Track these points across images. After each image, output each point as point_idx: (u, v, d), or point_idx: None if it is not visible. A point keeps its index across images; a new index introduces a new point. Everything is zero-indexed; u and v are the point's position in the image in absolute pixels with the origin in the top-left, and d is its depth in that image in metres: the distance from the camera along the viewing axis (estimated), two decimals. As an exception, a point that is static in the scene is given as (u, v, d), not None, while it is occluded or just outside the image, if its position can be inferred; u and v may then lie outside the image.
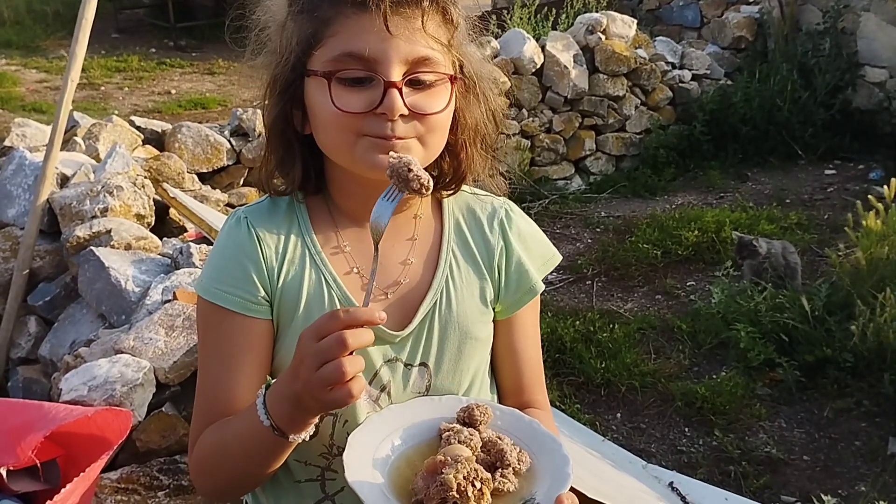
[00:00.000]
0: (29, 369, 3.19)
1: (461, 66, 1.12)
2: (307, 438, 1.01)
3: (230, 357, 1.11)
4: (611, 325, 3.99)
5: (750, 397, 3.45)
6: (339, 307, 1.06)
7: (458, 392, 1.18)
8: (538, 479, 1.03)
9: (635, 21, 6.66)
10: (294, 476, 1.15)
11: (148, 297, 2.88)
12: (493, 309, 1.22)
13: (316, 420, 1.01)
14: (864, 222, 3.80)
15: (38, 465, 2.14)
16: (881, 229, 3.76)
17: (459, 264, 1.19)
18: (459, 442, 1.04)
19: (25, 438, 2.17)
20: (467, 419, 1.09)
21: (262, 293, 1.11)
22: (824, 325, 3.61)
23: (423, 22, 1.03)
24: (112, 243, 3.12)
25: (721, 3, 7.60)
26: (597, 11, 6.76)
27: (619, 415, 3.46)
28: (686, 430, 3.33)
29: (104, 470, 2.42)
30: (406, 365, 1.15)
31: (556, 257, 1.30)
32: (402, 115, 1.03)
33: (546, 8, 7.33)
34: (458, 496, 0.95)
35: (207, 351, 1.15)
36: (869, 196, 3.94)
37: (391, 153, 1.01)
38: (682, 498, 2.71)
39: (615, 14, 6.57)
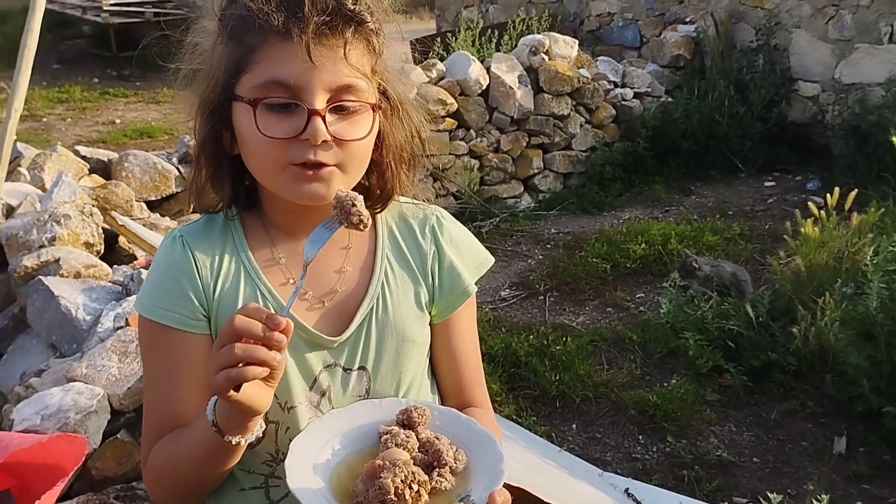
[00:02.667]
0: (-23, 403, 3.12)
1: (385, 91, 1.16)
2: (244, 442, 1.03)
3: (172, 373, 1.13)
4: (563, 339, 4.05)
5: (700, 403, 3.54)
6: None
7: (398, 394, 1.21)
8: (474, 476, 1.06)
9: (577, 42, 6.81)
10: (240, 484, 1.17)
11: (99, 325, 2.85)
12: (430, 312, 1.25)
13: (254, 425, 1.03)
14: (802, 230, 3.94)
15: (-9, 496, 2.10)
16: (819, 236, 3.90)
17: (394, 270, 1.23)
18: (397, 445, 1.07)
19: (-23, 470, 2.14)
20: (406, 421, 1.12)
21: (200, 309, 1.14)
22: (768, 331, 3.72)
23: (345, 52, 1.06)
24: (61, 272, 3.09)
25: (659, 23, 7.82)
26: (539, 33, 6.90)
27: (574, 426, 3.51)
28: (640, 437, 3.39)
29: (60, 499, 2.38)
30: (345, 369, 1.18)
31: (489, 260, 1.34)
32: (324, 142, 1.06)
33: (490, 30, 7.47)
34: (395, 499, 0.99)
35: (150, 368, 1.17)
36: (808, 204, 4.09)
37: (340, 189, 1.06)
38: (638, 503, 2.77)
39: (557, 35, 6.71)
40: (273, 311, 1.07)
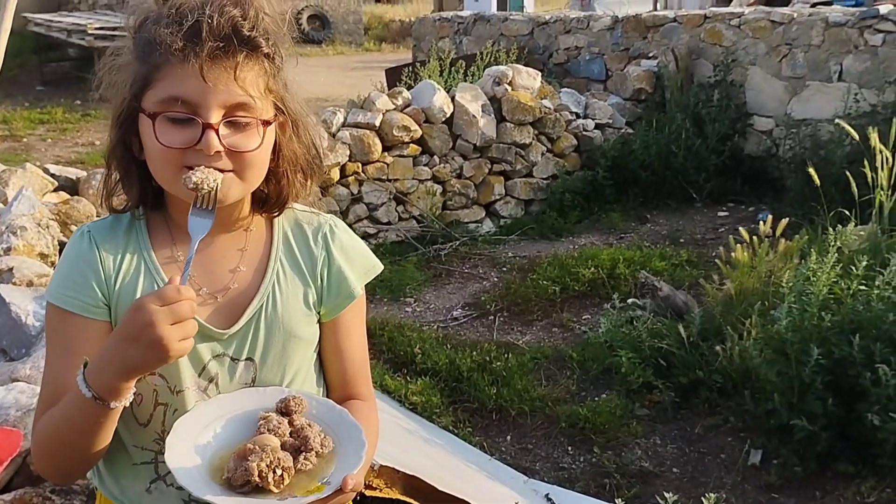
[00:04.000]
0: (-71, 405, 3.24)
1: (283, 105, 1.30)
2: (126, 404, 1.15)
3: (70, 354, 1.25)
4: (506, 356, 4.22)
5: (629, 417, 3.70)
6: None
7: (282, 384, 1.33)
8: (337, 461, 1.20)
9: (540, 73, 7.06)
10: (132, 459, 1.31)
11: (48, 330, 2.99)
12: (318, 312, 1.38)
13: (131, 387, 1.15)
14: (734, 255, 4.14)
15: (-73, 485, 2.24)
16: (748, 262, 4.10)
17: (286, 272, 1.36)
18: (269, 430, 1.20)
19: (-85, 458, 2.28)
20: (284, 409, 1.25)
21: (101, 298, 1.27)
22: (698, 350, 3.89)
23: (236, 74, 1.20)
24: (14, 280, 3.23)
25: (624, 58, 8.08)
26: (506, 65, 7.13)
27: (508, 437, 3.66)
28: (569, 448, 3.55)
29: (-2, 491, 2.52)
30: (233, 359, 1.31)
31: (378, 267, 1.47)
32: (217, 152, 1.19)
33: (459, 61, 7.70)
34: (259, 480, 1.13)
35: (52, 349, 1.29)
36: (739, 229, 4.29)
37: (193, 169, 1.19)
38: (555, 507, 2.93)
39: (521, 67, 6.95)
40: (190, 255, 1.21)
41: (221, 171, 1.21)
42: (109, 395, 1.13)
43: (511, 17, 9.46)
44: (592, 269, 5.21)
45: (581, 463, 3.44)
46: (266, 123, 1.25)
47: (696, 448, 3.50)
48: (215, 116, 1.18)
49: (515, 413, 3.79)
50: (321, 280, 1.37)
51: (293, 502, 1.12)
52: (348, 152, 6.06)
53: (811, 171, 4.42)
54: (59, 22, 13.62)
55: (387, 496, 2.06)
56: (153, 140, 1.20)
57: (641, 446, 3.52)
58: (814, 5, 8.94)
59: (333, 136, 6.06)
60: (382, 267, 1.49)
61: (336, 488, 1.14)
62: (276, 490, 1.14)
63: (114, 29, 12.47)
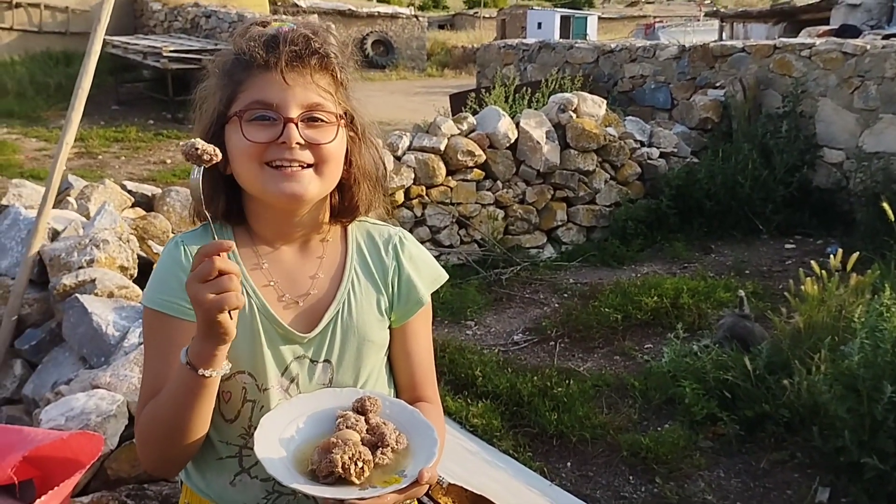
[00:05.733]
0: (12, 408, 3.38)
1: (352, 118, 1.41)
2: (215, 375, 1.22)
3: (167, 353, 1.34)
4: (567, 382, 4.21)
5: (692, 448, 3.66)
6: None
7: (357, 385, 1.42)
8: (412, 456, 1.27)
9: (605, 101, 7.06)
10: (218, 454, 1.39)
11: (126, 340, 3.11)
12: (389, 318, 1.47)
13: (222, 357, 1.21)
14: (803, 288, 4.07)
15: (17, 483, 2.34)
16: (818, 295, 4.03)
17: (360, 280, 1.45)
18: (349, 427, 1.29)
19: (6, 458, 2.38)
20: (360, 408, 1.34)
21: None
22: (764, 384, 3.83)
23: (311, 77, 1.33)
24: (96, 291, 3.36)
25: (690, 87, 8.05)
26: (571, 92, 7.16)
27: (569, 463, 3.65)
28: (630, 477, 3.52)
29: (78, 494, 2.62)
30: (312, 361, 1.39)
31: (444, 276, 1.56)
32: (299, 144, 1.31)
33: (524, 88, 7.76)
34: (342, 472, 1.21)
35: (150, 350, 1.39)
36: (812, 263, 4.22)
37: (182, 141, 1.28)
38: (617, 535, 2.90)
39: (586, 94, 6.97)
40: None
41: (301, 165, 1.31)
42: (198, 361, 1.21)
43: (576, 44, 9.49)
44: (655, 297, 5.17)
45: (642, 493, 3.41)
46: (339, 118, 1.36)
47: (762, 483, 3.44)
48: (294, 113, 1.31)
49: (576, 440, 3.77)
50: (392, 288, 1.47)
51: (373, 492, 1.20)
52: (413, 175, 6.15)
53: (885, 205, 4.32)
54: (135, 44, 14.10)
55: (455, 514, 2.08)
56: (240, 138, 1.31)
57: (705, 479, 3.47)
58: (886, 37, 8.79)
59: (399, 159, 6.16)
60: (447, 276, 1.58)
61: (413, 480, 1.21)
62: (357, 481, 1.22)
63: (187, 52, 12.88)
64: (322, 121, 1.33)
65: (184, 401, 1.26)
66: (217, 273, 1.14)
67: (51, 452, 2.49)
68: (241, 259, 1.40)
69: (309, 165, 1.32)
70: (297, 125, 1.30)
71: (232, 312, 1.16)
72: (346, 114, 1.38)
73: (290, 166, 1.31)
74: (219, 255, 1.15)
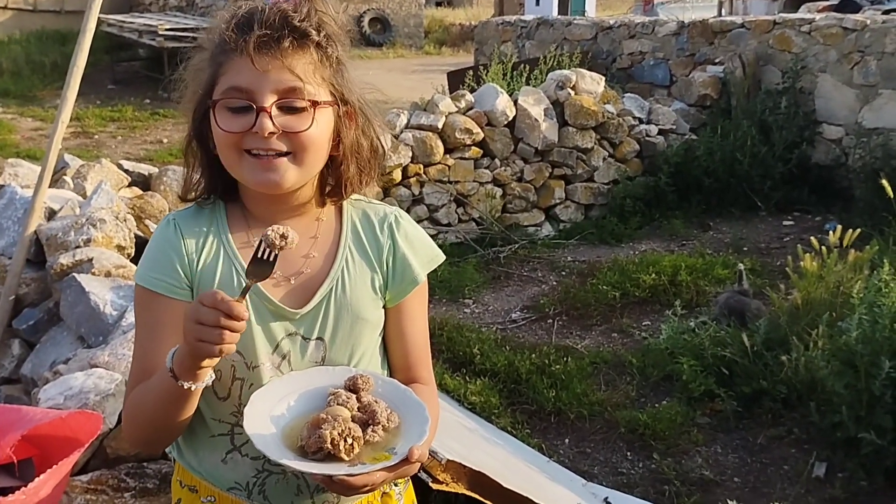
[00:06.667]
0: (11, 388, 3.39)
1: (341, 95, 1.37)
2: (195, 388, 1.23)
3: (157, 332, 1.35)
4: (565, 359, 4.22)
5: (690, 425, 3.67)
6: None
7: (350, 364, 1.41)
8: (403, 434, 1.27)
9: (603, 78, 7.02)
10: (210, 431, 1.39)
11: (124, 319, 3.11)
12: (384, 297, 1.45)
13: (204, 374, 1.22)
14: (801, 265, 4.07)
15: (15, 462, 2.34)
16: (817, 271, 4.03)
17: (354, 258, 1.43)
18: (340, 404, 1.28)
19: (5, 437, 2.38)
20: (352, 386, 1.33)
21: (185, 279, 1.36)
22: (762, 360, 3.85)
23: (287, 59, 1.28)
24: (93, 271, 3.36)
25: (689, 63, 7.99)
26: (569, 69, 7.12)
27: (566, 440, 3.67)
28: (628, 454, 3.54)
29: (77, 472, 2.63)
30: (304, 338, 1.39)
31: (440, 256, 1.53)
32: (271, 133, 1.28)
33: (522, 65, 7.71)
34: (331, 447, 1.21)
35: (140, 328, 1.39)
36: (811, 239, 4.21)
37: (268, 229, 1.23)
38: (614, 511, 2.92)
39: (584, 71, 6.93)
40: (245, 284, 1.30)
41: (278, 153, 1.30)
42: (180, 373, 1.22)
43: (575, 21, 9.43)
44: (653, 275, 5.17)
45: (640, 469, 3.43)
46: (315, 104, 1.31)
47: (759, 458, 3.46)
48: (268, 101, 1.28)
49: (574, 416, 3.79)
50: (387, 266, 1.45)
51: (362, 469, 1.20)
52: (410, 154, 6.13)
53: (884, 181, 4.31)
54: (130, 23, 14.02)
55: (453, 490, 2.09)
56: (216, 128, 1.31)
57: (702, 454, 3.49)
58: (886, 12, 8.73)
59: (396, 137, 6.13)
60: (444, 256, 1.57)
61: (402, 458, 1.21)
62: (346, 458, 1.22)
63: (183, 30, 12.80)
64: (300, 108, 1.30)
65: (167, 401, 1.27)
66: (220, 328, 1.15)
67: (50, 431, 2.50)
68: (233, 235, 1.40)
69: (287, 153, 1.31)
70: (269, 113, 1.27)
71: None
72: (333, 93, 1.35)
73: (267, 155, 1.30)
74: (231, 317, 1.15)
